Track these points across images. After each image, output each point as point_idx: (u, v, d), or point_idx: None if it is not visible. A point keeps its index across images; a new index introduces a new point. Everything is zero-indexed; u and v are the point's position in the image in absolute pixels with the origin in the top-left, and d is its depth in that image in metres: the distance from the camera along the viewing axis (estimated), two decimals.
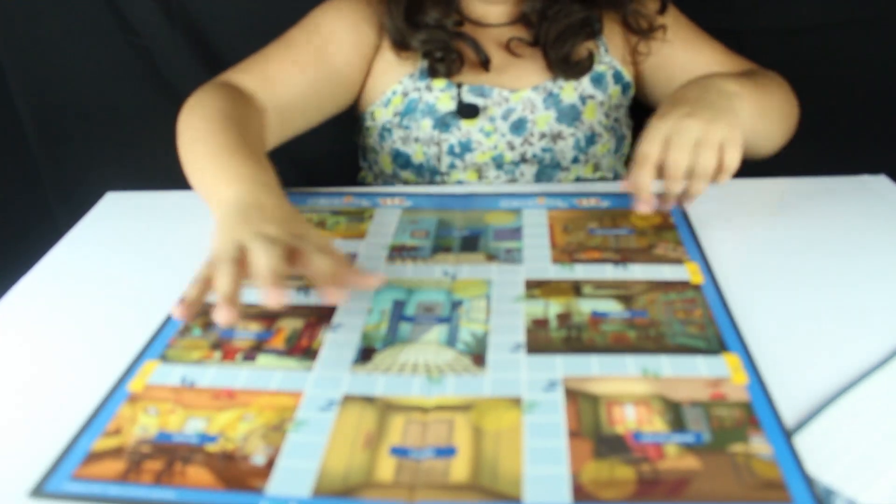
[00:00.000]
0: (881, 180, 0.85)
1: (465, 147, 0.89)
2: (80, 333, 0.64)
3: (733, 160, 0.69)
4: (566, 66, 0.89)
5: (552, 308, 0.62)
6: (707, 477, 0.46)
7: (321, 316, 0.63)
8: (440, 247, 0.72)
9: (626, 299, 0.63)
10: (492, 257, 0.70)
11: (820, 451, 0.48)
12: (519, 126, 0.89)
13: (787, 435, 0.48)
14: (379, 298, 0.65)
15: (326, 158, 1.16)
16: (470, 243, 0.73)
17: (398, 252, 0.72)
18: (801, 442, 0.48)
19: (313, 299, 0.65)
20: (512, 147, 0.89)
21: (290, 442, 0.50)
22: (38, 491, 0.47)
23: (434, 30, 0.86)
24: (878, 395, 0.53)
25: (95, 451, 0.50)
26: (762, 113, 0.79)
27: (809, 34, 1.11)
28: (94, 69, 1.22)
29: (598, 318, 0.61)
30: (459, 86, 0.87)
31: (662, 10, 0.90)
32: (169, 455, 0.49)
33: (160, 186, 0.88)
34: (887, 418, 0.51)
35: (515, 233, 0.75)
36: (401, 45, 0.88)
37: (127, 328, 0.63)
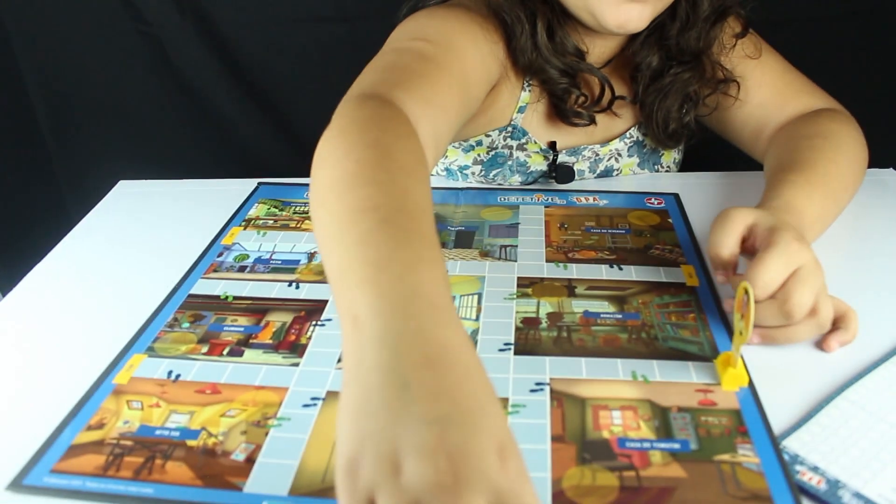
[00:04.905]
0: (889, 174, 0.83)
1: None
2: (91, 323, 0.63)
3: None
4: (670, 141, 0.84)
5: (543, 307, 0.62)
6: (691, 486, 0.45)
7: (310, 311, 0.62)
8: None
9: (619, 300, 0.62)
10: (486, 254, 0.70)
11: (826, 444, 0.47)
12: (605, 174, 0.86)
13: (776, 445, 0.47)
14: None
15: None
16: (465, 238, 0.72)
17: None
18: (807, 435, 0.48)
19: (303, 293, 0.65)
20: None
21: (271, 439, 0.49)
22: (15, 484, 0.46)
23: (574, 58, 0.75)
24: (884, 387, 0.52)
25: (77, 444, 0.50)
26: (834, 216, 0.71)
27: (816, 24, 1.10)
28: (104, 58, 1.22)
29: (589, 318, 0.60)
30: (555, 150, 0.81)
31: (743, 34, 0.79)
32: (149, 450, 0.49)
33: (171, 174, 0.88)
34: (893, 409, 0.50)
35: (511, 229, 0.74)
36: (533, 70, 0.76)
37: (139, 318, 0.63)
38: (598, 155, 0.84)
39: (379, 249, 0.41)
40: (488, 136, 0.81)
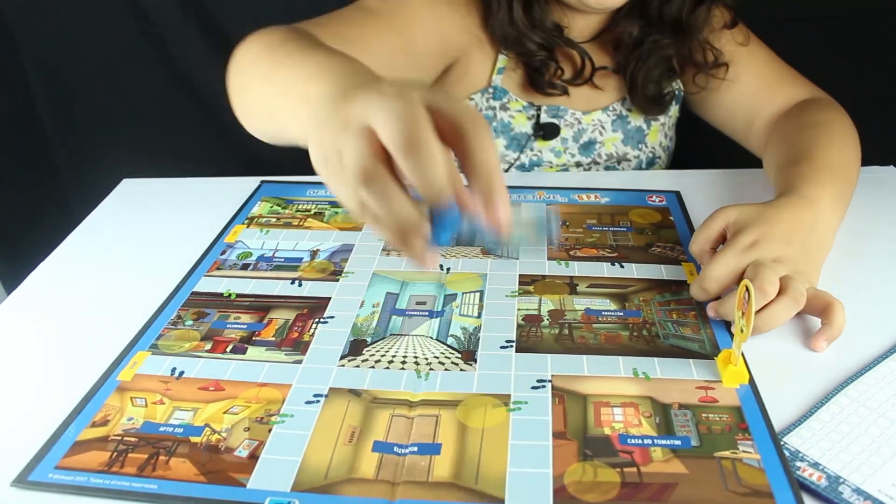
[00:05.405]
0: (889, 171, 0.84)
1: (535, 164, 0.88)
2: (95, 320, 0.64)
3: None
4: (652, 105, 0.86)
5: (545, 305, 0.62)
6: (692, 482, 0.45)
7: (313, 308, 0.62)
8: None
9: (620, 298, 0.62)
10: (488, 252, 0.70)
11: (827, 440, 0.48)
12: (588, 147, 0.87)
13: (777, 441, 0.48)
14: (372, 291, 0.64)
15: None
16: (467, 236, 0.72)
17: None
18: (807, 431, 0.48)
19: (306, 291, 0.65)
20: (579, 165, 0.89)
21: (274, 435, 0.50)
22: (20, 480, 0.47)
23: (551, 33, 0.80)
24: (885, 384, 0.52)
25: (81, 441, 0.50)
26: (850, 193, 0.72)
27: (816, 24, 1.10)
28: (108, 58, 1.23)
29: (591, 315, 0.60)
30: (538, 107, 0.84)
31: (733, 25, 0.85)
32: (153, 446, 0.49)
33: (174, 173, 0.88)
34: (893, 406, 0.50)
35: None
36: (510, 44, 0.80)
37: (143, 315, 0.63)
38: (580, 122, 0.86)
39: (317, 64, 0.51)
40: (471, 99, 0.84)
